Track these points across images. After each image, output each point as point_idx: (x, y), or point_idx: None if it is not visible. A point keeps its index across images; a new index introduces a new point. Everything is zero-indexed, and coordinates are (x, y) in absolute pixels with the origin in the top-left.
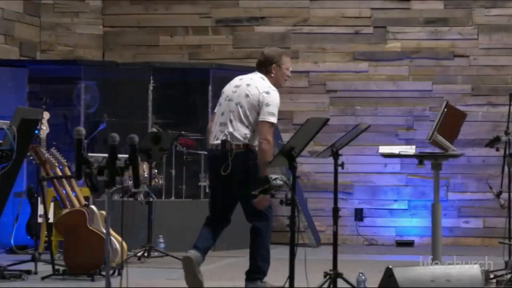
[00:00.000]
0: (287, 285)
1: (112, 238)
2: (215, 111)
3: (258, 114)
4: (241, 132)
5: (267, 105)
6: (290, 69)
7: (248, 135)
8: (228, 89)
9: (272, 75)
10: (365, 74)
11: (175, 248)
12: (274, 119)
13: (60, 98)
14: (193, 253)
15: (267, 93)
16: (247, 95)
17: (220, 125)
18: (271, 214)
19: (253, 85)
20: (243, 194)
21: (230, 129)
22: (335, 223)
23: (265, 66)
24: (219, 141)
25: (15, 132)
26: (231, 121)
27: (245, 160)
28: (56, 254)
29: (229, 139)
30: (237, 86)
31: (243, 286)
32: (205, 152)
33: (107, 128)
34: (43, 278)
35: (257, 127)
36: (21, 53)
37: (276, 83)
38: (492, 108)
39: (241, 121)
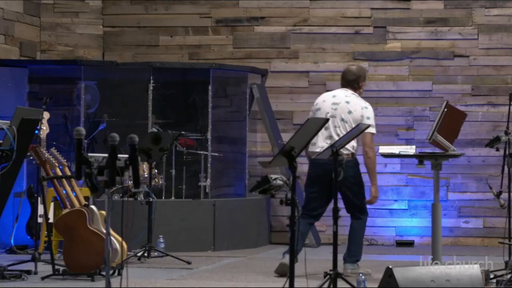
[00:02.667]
0: (287, 285)
1: (112, 238)
2: None
3: None
4: (350, 144)
5: (368, 118)
6: None
7: (355, 146)
8: (326, 105)
9: (361, 90)
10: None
11: (175, 248)
12: (374, 130)
13: (60, 98)
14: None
15: (366, 108)
16: (350, 112)
17: (326, 138)
18: (367, 209)
19: (352, 102)
20: (350, 192)
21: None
22: (335, 223)
23: (357, 82)
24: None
25: (15, 132)
26: (338, 135)
27: (352, 166)
28: (56, 254)
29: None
30: (335, 104)
31: (244, 286)
32: (205, 152)
33: (107, 128)
34: (43, 278)
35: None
36: (21, 53)
37: (360, 95)
38: (492, 108)
39: None
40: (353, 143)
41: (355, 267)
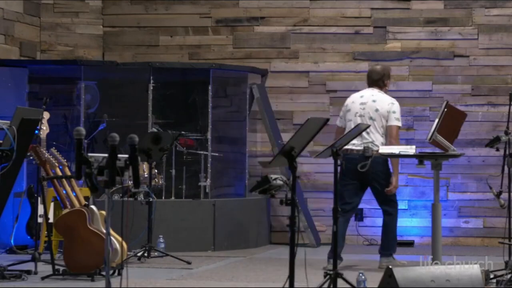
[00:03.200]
0: (287, 285)
1: (112, 238)
2: (340, 125)
3: (387, 121)
4: (379, 140)
5: (393, 112)
6: None
7: (384, 142)
8: (355, 106)
9: (387, 87)
10: (365, 74)
11: (175, 248)
12: (399, 123)
13: (60, 98)
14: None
15: (392, 103)
16: (377, 110)
17: (358, 137)
18: (396, 200)
19: (379, 100)
20: (380, 186)
21: (369, 139)
22: (335, 223)
23: (382, 81)
24: (359, 148)
25: (15, 132)
26: (368, 133)
27: (381, 162)
28: (56, 254)
29: (370, 146)
30: (363, 104)
31: (244, 286)
32: (205, 152)
33: (107, 128)
34: (43, 278)
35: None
36: (21, 53)
37: (386, 93)
38: (492, 108)
39: (377, 132)
40: (382, 139)
41: (390, 260)
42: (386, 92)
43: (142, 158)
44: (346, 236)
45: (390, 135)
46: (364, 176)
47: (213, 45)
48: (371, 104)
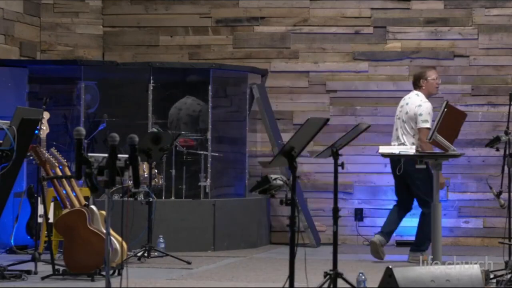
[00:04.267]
0: (287, 285)
1: (112, 238)
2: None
3: (416, 124)
4: (410, 141)
5: (420, 115)
6: (438, 79)
7: (416, 143)
8: (398, 109)
9: (423, 87)
10: (365, 74)
11: (175, 248)
12: (427, 125)
13: (60, 98)
14: (377, 238)
15: (419, 106)
16: (407, 112)
17: (396, 139)
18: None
19: (410, 102)
20: (414, 187)
21: (402, 141)
22: (335, 223)
23: (418, 81)
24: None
25: (15, 132)
26: (402, 135)
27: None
28: (56, 254)
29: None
30: (401, 106)
31: (244, 286)
32: (205, 152)
33: (107, 128)
34: (43, 278)
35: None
36: (21, 53)
37: (428, 93)
38: (492, 108)
39: (408, 133)
40: (413, 140)
41: (416, 255)
42: (427, 93)
43: (142, 158)
44: (345, 236)
45: (418, 138)
46: (402, 176)
47: (213, 45)
48: (405, 107)
